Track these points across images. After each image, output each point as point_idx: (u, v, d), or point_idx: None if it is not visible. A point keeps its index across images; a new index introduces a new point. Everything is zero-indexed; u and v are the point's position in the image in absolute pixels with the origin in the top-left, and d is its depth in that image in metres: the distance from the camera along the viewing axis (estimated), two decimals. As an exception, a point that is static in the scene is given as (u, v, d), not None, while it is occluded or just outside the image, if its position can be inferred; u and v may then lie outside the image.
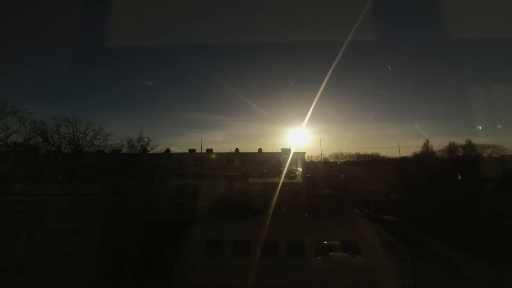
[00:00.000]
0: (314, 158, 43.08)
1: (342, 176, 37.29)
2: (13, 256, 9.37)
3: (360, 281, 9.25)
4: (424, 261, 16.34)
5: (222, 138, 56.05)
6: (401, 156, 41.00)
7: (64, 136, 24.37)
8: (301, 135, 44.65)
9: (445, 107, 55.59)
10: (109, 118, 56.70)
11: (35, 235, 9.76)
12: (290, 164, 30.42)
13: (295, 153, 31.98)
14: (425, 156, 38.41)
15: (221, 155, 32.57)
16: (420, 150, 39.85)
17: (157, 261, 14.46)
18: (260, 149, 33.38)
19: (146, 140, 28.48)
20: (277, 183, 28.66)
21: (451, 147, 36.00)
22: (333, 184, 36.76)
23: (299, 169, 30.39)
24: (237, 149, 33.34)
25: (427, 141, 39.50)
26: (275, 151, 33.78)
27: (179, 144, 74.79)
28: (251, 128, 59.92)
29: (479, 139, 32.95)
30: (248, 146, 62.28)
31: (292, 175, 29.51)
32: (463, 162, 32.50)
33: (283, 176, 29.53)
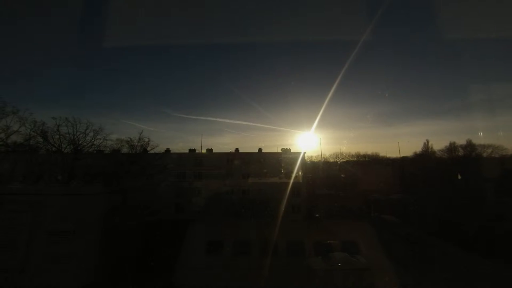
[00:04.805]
0: (314, 158, 43.05)
1: (342, 176, 37.28)
2: (13, 256, 9.35)
3: (360, 281, 9.25)
4: (424, 261, 16.34)
5: (222, 138, 56.08)
6: (401, 156, 41.02)
7: (64, 136, 24.43)
8: (301, 135, 44.65)
9: (446, 107, 55.57)
10: (109, 118, 56.69)
11: (35, 235, 9.73)
12: (290, 164, 30.44)
13: (295, 153, 32.04)
14: (425, 156, 38.41)
15: (221, 155, 32.61)
16: (420, 150, 39.89)
17: (157, 261, 14.47)
18: (260, 149, 33.44)
19: (146, 140, 28.51)
20: (277, 183, 28.69)
21: (451, 147, 36.03)
22: (333, 184, 36.72)
23: (299, 169, 30.41)
24: (237, 149, 33.41)
25: (427, 141, 39.54)
26: (275, 151, 33.87)
27: (179, 144, 74.78)
28: (251, 127, 59.95)
29: (479, 139, 33.02)
30: (248, 146, 62.32)
31: (292, 175, 29.51)
32: (463, 162, 32.50)
33: (283, 176, 29.55)
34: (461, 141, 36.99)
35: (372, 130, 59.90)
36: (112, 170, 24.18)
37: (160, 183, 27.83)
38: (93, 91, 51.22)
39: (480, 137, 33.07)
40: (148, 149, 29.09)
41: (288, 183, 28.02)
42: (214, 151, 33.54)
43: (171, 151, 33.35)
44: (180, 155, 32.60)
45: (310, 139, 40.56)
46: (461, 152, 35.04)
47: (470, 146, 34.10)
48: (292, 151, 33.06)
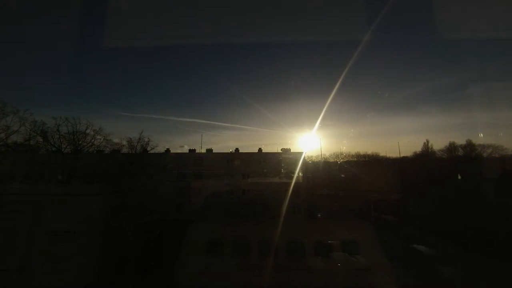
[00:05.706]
0: (314, 158, 43.05)
1: (342, 176, 37.28)
2: (13, 256, 9.35)
3: (360, 281, 9.24)
4: (424, 261, 16.35)
5: (222, 138, 56.04)
6: (401, 156, 41.02)
7: (64, 136, 24.47)
8: (302, 135, 44.65)
9: (446, 107, 55.55)
10: (109, 118, 56.67)
11: (35, 235, 9.73)
12: (290, 164, 30.46)
13: (295, 153, 32.08)
14: (425, 156, 38.44)
15: (221, 155, 32.65)
16: (420, 150, 39.92)
17: (157, 261, 14.47)
18: (260, 149, 33.47)
19: (146, 140, 28.55)
20: (277, 183, 28.71)
21: (451, 147, 36.06)
22: (333, 184, 36.73)
23: (299, 169, 30.43)
24: (237, 149, 33.46)
25: (427, 141, 39.56)
26: (275, 151, 33.89)
27: (179, 144, 74.72)
28: (251, 127, 59.94)
29: (479, 139, 33.04)
30: (248, 146, 62.31)
31: (292, 175, 29.52)
32: (463, 162, 32.52)
33: (283, 176, 29.57)
34: (461, 140, 37.09)
35: (372, 128, 59.88)
36: (112, 170, 24.21)
37: (160, 183, 27.85)
38: (93, 91, 51.08)
39: (480, 137, 33.11)
40: (148, 149, 29.14)
41: (288, 183, 28.06)
42: (214, 151, 33.60)
43: (171, 151, 33.41)
44: (180, 155, 32.63)
45: (310, 139, 40.57)
46: (461, 152, 35.09)
47: (470, 146, 34.14)
48: (292, 151, 33.12)
